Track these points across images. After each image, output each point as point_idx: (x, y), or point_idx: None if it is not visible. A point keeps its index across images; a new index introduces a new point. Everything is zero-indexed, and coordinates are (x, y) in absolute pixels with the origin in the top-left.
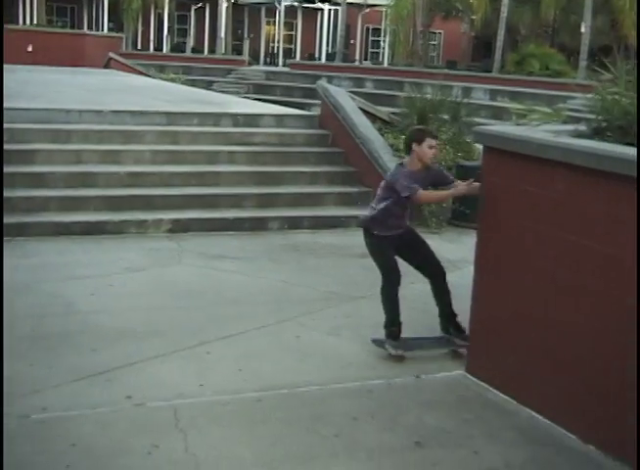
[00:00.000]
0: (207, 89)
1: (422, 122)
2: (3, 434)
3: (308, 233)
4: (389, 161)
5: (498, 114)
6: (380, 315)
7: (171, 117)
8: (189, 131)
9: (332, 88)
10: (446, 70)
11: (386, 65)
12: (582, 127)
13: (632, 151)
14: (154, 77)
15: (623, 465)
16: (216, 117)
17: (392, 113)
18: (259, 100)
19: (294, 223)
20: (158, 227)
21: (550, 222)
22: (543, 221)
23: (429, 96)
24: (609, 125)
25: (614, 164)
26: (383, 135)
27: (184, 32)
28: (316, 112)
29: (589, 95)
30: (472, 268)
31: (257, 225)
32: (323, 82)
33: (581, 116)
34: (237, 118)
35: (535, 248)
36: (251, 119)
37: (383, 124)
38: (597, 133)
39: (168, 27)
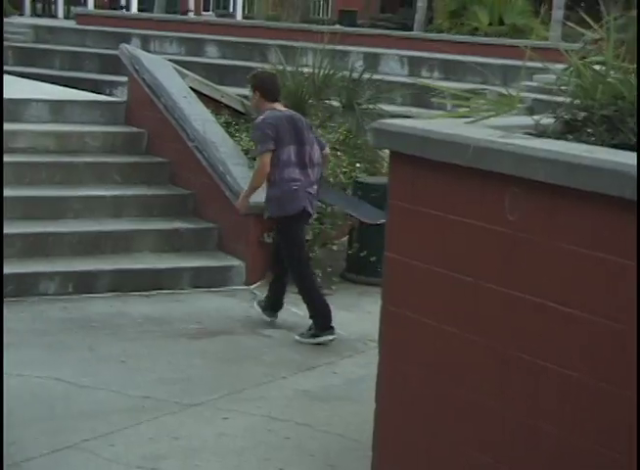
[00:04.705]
0: None
1: (298, 111)
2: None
3: (109, 299)
4: (244, 177)
5: (422, 98)
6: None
7: None
8: None
9: (147, 57)
10: (339, 27)
11: (239, 18)
12: (549, 120)
13: (626, 157)
14: None
15: None
16: None
17: (248, 97)
18: (25, 76)
19: (84, 283)
20: None
21: (496, 273)
22: (485, 271)
23: (308, 69)
24: (590, 116)
25: (597, 178)
26: (233, 135)
27: None
28: (122, 96)
29: (563, 67)
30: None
31: (22, 287)
32: (132, 47)
33: (554, 100)
34: None
35: (470, 316)
36: (10, 109)
37: (233, 116)
38: (572, 129)
39: None
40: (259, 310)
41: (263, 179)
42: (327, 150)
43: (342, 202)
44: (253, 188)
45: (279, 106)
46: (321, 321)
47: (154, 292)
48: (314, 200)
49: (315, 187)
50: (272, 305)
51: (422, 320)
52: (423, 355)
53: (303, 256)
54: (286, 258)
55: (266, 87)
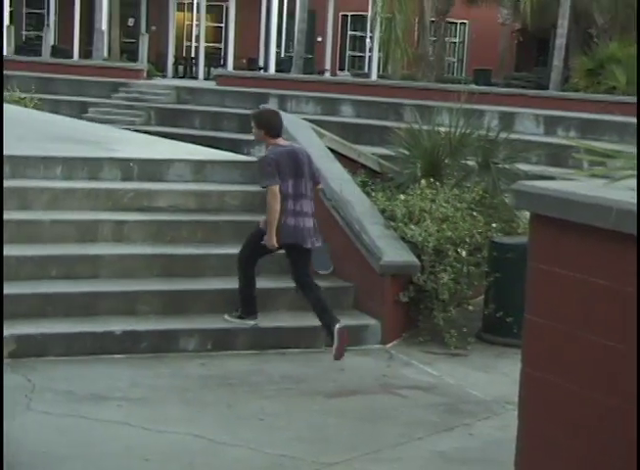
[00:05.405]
0: (80, 117)
1: (433, 171)
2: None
3: (247, 356)
4: (380, 236)
5: (560, 157)
6: None
7: (16, 164)
8: (47, 188)
9: (286, 118)
10: (474, 86)
11: (374, 77)
12: None
13: None
14: None
15: None
16: (94, 165)
17: (384, 156)
18: (167, 136)
19: (222, 341)
20: None
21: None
22: (628, 337)
23: (444, 129)
24: None
25: None
26: (369, 194)
27: (39, 22)
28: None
29: None
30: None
31: (162, 344)
32: (271, 107)
33: None
34: (129, 167)
35: (613, 381)
36: (153, 169)
37: (369, 176)
38: None
39: (11, 13)
40: (239, 321)
41: (278, 210)
42: (321, 185)
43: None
44: (273, 222)
45: (282, 141)
46: (247, 308)
47: (290, 350)
48: (307, 232)
49: (308, 219)
50: (252, 308)
51: (562, 384)
52: (564, 420)
53: (255, 258)
54: (241, 250)
55: (270, 125)
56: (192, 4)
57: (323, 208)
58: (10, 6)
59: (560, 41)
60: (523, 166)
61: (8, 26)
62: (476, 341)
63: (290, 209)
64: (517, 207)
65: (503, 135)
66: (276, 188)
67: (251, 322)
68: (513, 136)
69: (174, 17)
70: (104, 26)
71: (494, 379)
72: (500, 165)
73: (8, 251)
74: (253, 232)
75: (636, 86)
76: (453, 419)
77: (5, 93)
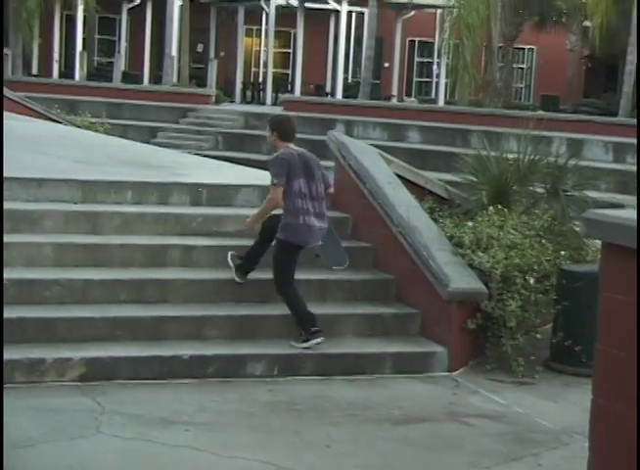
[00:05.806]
0: (149, 142)
1: (501, 198)
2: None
3: (313, 382)
4: (447, 263)
5: (629, 185)
6: None
7: (88, 188)
8: (117, 213)
9: (353, 143)
10: (541, 112)
11: (442, 103)
12: None
13: None
14: (61, 122)
15: None
16: (163, 190)
17: (450, 183)
18: (234, 161)
19: (289, 366)
20: (62, 372)
21: None
22: None
23: (512, 155)
24: None
25: None
26: (436, 220)
27: (111, 48)
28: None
29: None
30: (587, 445)
31: (229, 369)
32: (338, 132)
33: None
34: (197, 192)
35: None
36: (222, 194)
37: (436, 202)
38: None
39: (84, 40)
40: (305, 345)
41: (274, 208)
42: (331, 189)
43: (324, 244)
44: (263, 214)
45: (292, 146)
46: (308, 329)
47: (356, 376)
48: (320, 232)
49: (320, 220)
50: (312, 325)
51: (635, 416)
52: (636, 452)
53: (289, 276)
54: (274, 274)
55: (283, 130)
56: (260, 30)
57: (390, 234)
58: (83, 32)
59: (630, 67)
60: (592, 194)
61: (81, 52)
62: (544, 369)
63: (303, 208)
64: (588, 235)
65: (572, 162)
66: (280, 189)
67: (317, 340)
68: (582, 163)
69: (243, 43)
70: (174, 52)
71: (563, 408)
72: (569, 193)
73: (78, 274)
74: (273, 251)
75: (636, 99)
76: (521, 449)
77: (76, 118)
